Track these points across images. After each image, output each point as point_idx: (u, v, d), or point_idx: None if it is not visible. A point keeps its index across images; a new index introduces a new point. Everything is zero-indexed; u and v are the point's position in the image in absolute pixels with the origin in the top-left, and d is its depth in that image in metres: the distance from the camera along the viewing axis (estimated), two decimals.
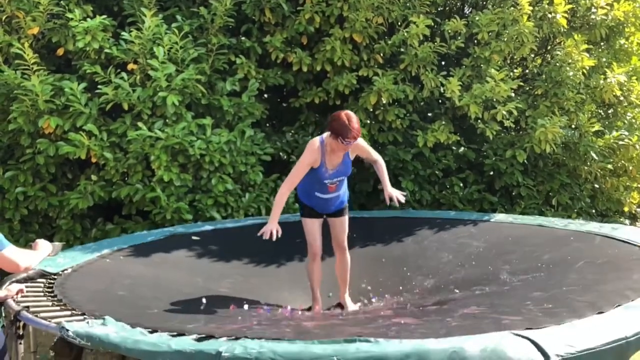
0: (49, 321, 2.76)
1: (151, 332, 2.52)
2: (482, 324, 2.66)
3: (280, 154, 6.85)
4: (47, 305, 3.07)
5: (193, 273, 4.20)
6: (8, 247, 2.71)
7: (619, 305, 2.71)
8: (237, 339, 2.35)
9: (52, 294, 3.33)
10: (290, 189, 4.05)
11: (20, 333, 3.19)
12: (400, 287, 4.12)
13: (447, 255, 4.69)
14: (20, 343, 3.25)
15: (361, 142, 4.15)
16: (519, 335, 2.22)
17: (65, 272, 3.91)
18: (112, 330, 2.49)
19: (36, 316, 2.87)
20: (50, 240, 5.88)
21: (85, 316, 2.82)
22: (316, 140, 4.02)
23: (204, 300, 3.57)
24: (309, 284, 4.10)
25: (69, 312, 2.93)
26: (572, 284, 3.40)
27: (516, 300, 3.19)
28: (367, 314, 3.33)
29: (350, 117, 3.86)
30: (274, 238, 3.74)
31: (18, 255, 2.76)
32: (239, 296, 3.73)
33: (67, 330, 2.52)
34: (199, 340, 2.34)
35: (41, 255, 3.05)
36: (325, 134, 3.99)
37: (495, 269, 4.18)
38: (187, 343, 2.30)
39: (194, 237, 5.10)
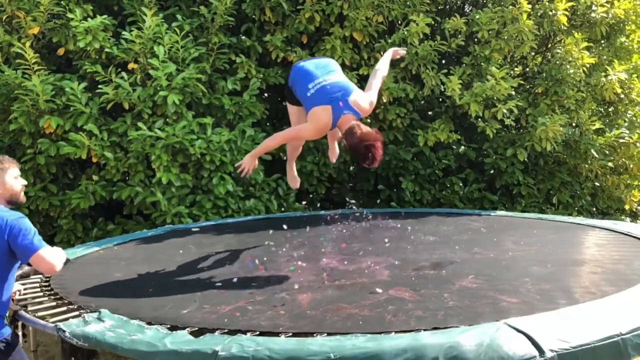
0: (47, 320, 2.75)
1: (148, 324, 2.53)
2: (479, 305, 2.67)
3: (281, 154, 6.85)
4: (45, 302, 3.07)
5: (188, 252, 4.22)
6: (45, 247, 2.72)
7: (617, 295, 2.72)
8: (232, 332, 2.36)
9: (49, 289, 3.33)
10: (280, 144, 4.00)
11: (19, 333, 3.20)
12: (404, 244, 4.15)
13: (449, 228, 4.75)
14: (26, 341, 3.26)
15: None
16: (515, 329, 2.22)
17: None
18: (109, 327, 2.49)
19: (34, 315, 2.87)
20: (52, 239, 5.96)
21: (81, 310, 2.82)
22: (328, 120, 3.49)
23: (198, 276, 3.56)
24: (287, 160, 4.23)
25: (65, 308, 2.93)
26: (571, 264, 3.42)
27: (514, 275, 3.20)
28: (364, 277, 3.31)
29: (377, 157, 3.39)
30: (248, 173, 3.73)
31: (54, 255, 2.77)
32: (234, 269, 3.73)
33: (64, 331, 2.52)
34: (194, 336, 2.35)
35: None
36: (344, 114, 3.48)
37: (498, 239, 4.23)
38: (183, 342, 2.30)
39: (193, 229, 5.14)
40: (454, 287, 3.00)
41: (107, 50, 5.89)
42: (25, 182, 2.98)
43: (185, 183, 5.83)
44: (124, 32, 5.97)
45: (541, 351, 2.11)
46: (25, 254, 2.67)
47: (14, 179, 2.86)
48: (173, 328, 2.48)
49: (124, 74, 5.85)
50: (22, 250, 2.66)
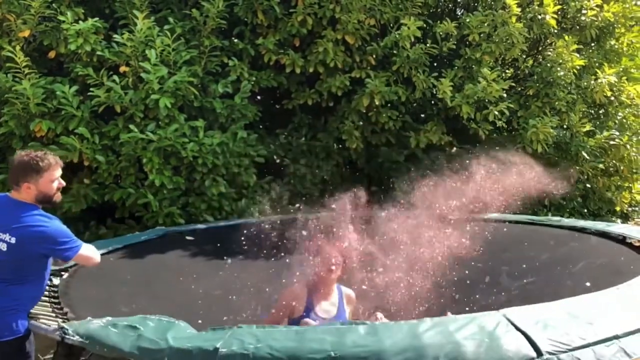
0: (48, 325, 2.73)
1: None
2: (478, 299, 2.69)
3: (274, 156, 6.86)
4: (46, 307, 3.05)
5: (182, 261, 4.22)
6: (83, 246, 2.86)
7: (615, 298, 2.73)
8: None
9: (47, 296, 3.31)
10: None
11: None
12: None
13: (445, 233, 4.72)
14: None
15: None
16: (515, 328, 2.23)
17: (61, 273, 3.89)
18: (110, 327, 2.47)
19: (36, 320, 2.84)
20: None
21: (77, 314, 2.81)
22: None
23: (193, 284, 3.55)
24: None
25: (61, 312, 2.92)
26: (567, 268, 3.44)
27: (512, 278, 3.22)
28: (363, 278, 3.31)
29: None
30: None
31: (93, 251, 2.94)
32: (229, 276, 3.72)
33: (67, 330, 2.50)
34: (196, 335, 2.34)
35: None
36: None
37: (492, 245, 4.16)
38: (184, 340, 2.29)
39: (187, 237, 5.09)
40: (453, 288, 3.01)
41: (98, 53, 5.84)
42: (64, 184, 2.98)
43: (178, 186, 5.81)
44: (115, 35, 5.93)
45: (539, 352, 2.12)
46: (67, 257, 2.83)
47: (50, 182, 2.85)
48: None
49: (115, 77, 5.81)
50: (64, 255, 2.82)
